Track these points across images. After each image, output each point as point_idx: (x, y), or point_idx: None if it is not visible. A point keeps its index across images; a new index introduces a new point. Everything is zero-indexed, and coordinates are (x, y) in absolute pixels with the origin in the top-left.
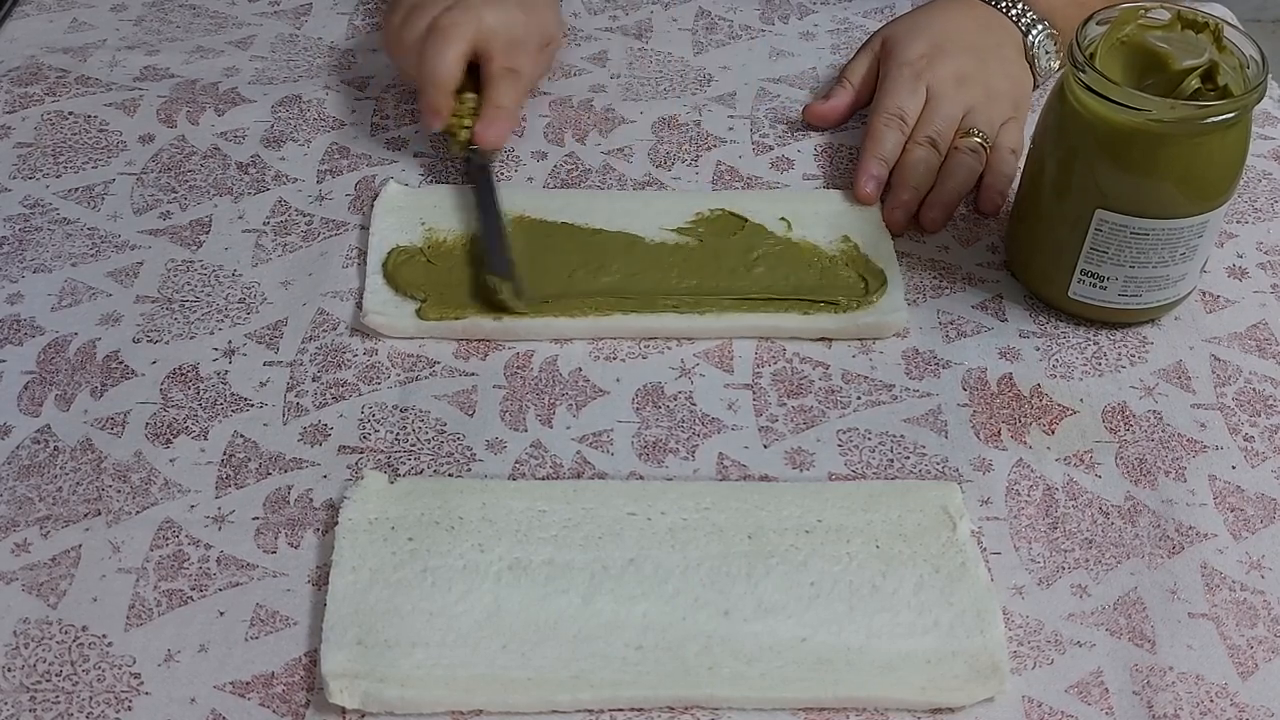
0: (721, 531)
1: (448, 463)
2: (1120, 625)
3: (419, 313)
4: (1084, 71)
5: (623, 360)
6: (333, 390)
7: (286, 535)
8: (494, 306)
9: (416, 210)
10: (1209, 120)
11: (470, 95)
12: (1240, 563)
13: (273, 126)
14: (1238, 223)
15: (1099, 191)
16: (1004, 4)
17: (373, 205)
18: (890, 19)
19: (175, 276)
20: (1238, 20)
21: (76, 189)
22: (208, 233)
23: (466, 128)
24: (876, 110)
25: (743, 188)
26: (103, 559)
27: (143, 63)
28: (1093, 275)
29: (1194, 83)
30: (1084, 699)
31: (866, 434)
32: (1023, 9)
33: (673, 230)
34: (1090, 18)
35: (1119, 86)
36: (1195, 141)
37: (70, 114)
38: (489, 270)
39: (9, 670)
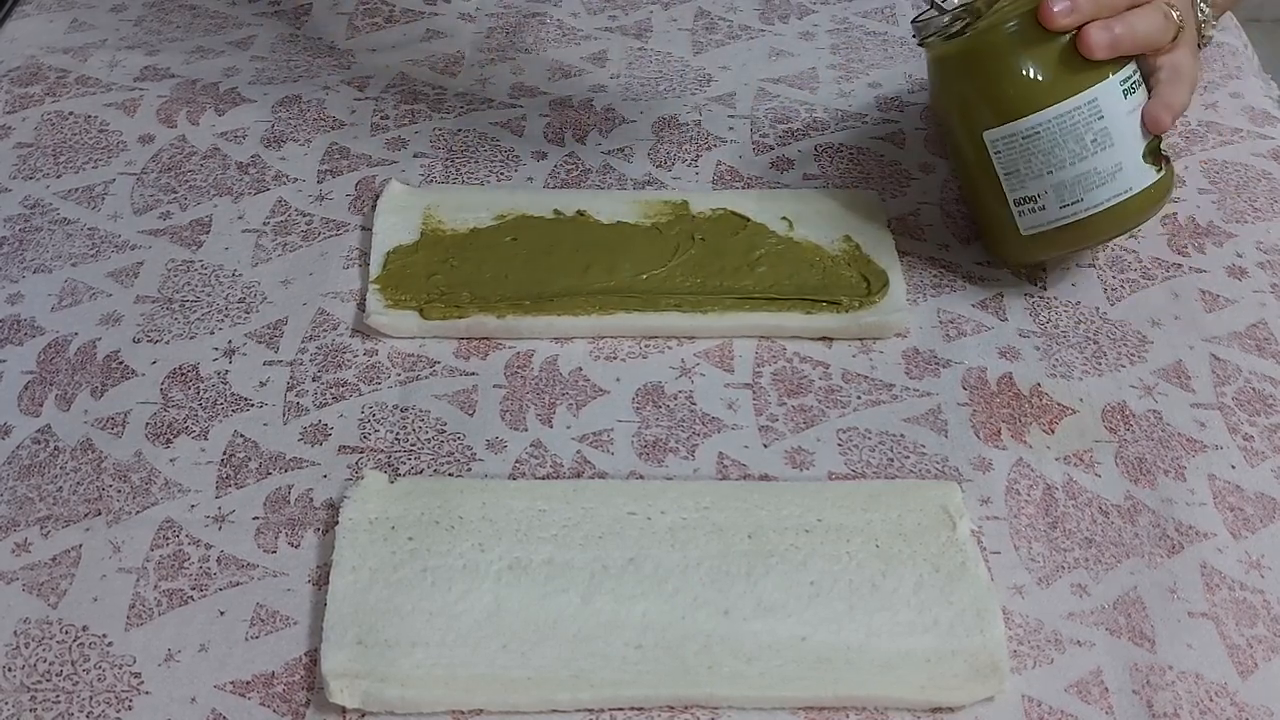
0: (721, 531)
1: (448, 462)
2: (1120, 624)
3: (422, 312)
4: (914, 33)
5: (623, 360)
6: (333, 390)
7: (287, 535)
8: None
9: (419, 209)
10: (982, 24)
11: None
12: (1240, 562)
13: (273, 126)
14: (1237, 222)
15: (973, 118)
16: None
17: (373, 205)
18: (888, 17)
19: (175, 276)
20: (1238, 20)
21: (76, 189)
22: (208, 233)
23: None
24: None
25: (743, 187)
26: (103, 559)
27: (143, 63)
28: (1025, 200)
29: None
30: (1084, 698)
31: (866, 433)
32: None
33: (669, 218)
34: None
35: (915, 24)
36: (1011, 37)
37: (70, 114)
38: None
39: (9, 670)
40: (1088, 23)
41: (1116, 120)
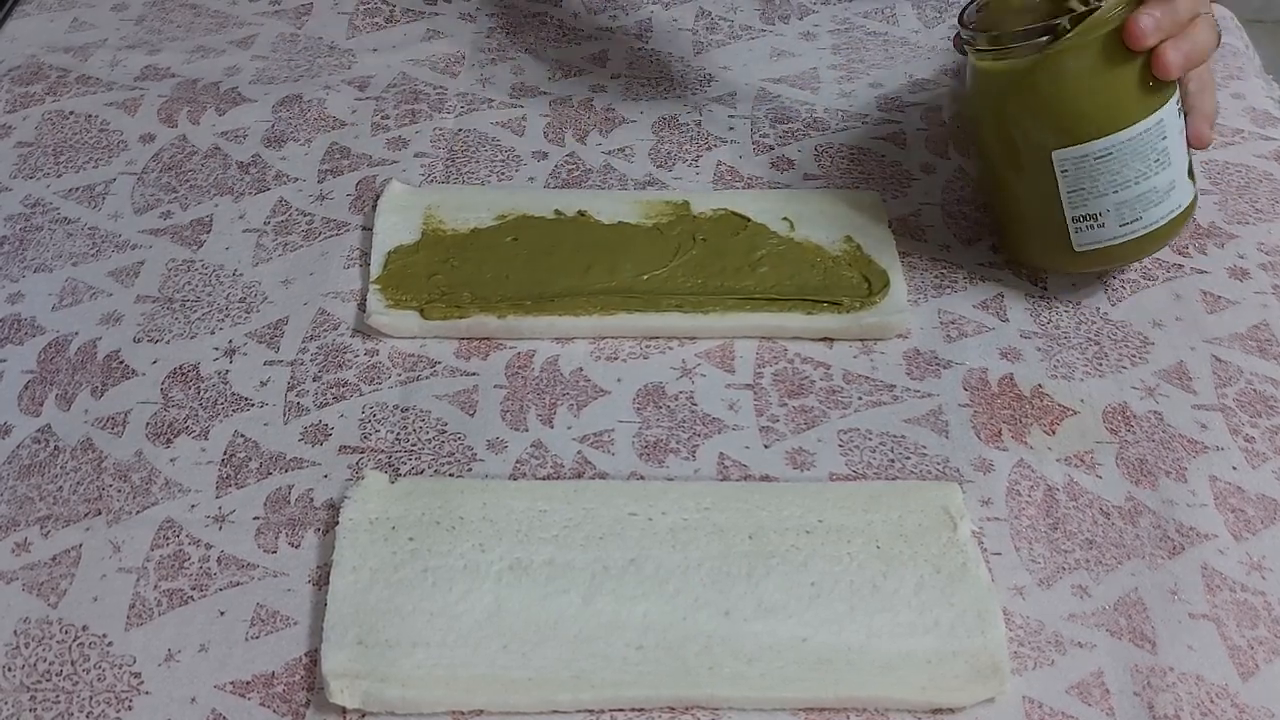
0: (722, 531)
1: (448, 462)
2: (1121, 626)
3: (422, 312)
4: (965, 38)
5: (624, 360)
6: (333, 390)
7: (287, 535)
8: None
9: (419, 209)
10: (1066, 40)
11: None
12: (1241, 563)
13: (273, 126)
14: (1239, 223)
15: (1038, 141)
16: None
17: (373, 205)
18: (889, 17)
19: (176, 276)
20: (1238, 21)
21: (77, 188)
22: (208, 232)
23: None
24: None
25: (744, 187)
26: (103, 558)
27: (144, 62)
28: (1085, 217)
29: (1076, 5)
30: (1085, 699)
31: (867, 434)
32: None
33: (670, 219)
34: None
35: (982, 35)
36: (1091, 55)
37: (71, 113)
38: None
39: (9, 670)
40: (1162, 42)
41: (1174, 138)
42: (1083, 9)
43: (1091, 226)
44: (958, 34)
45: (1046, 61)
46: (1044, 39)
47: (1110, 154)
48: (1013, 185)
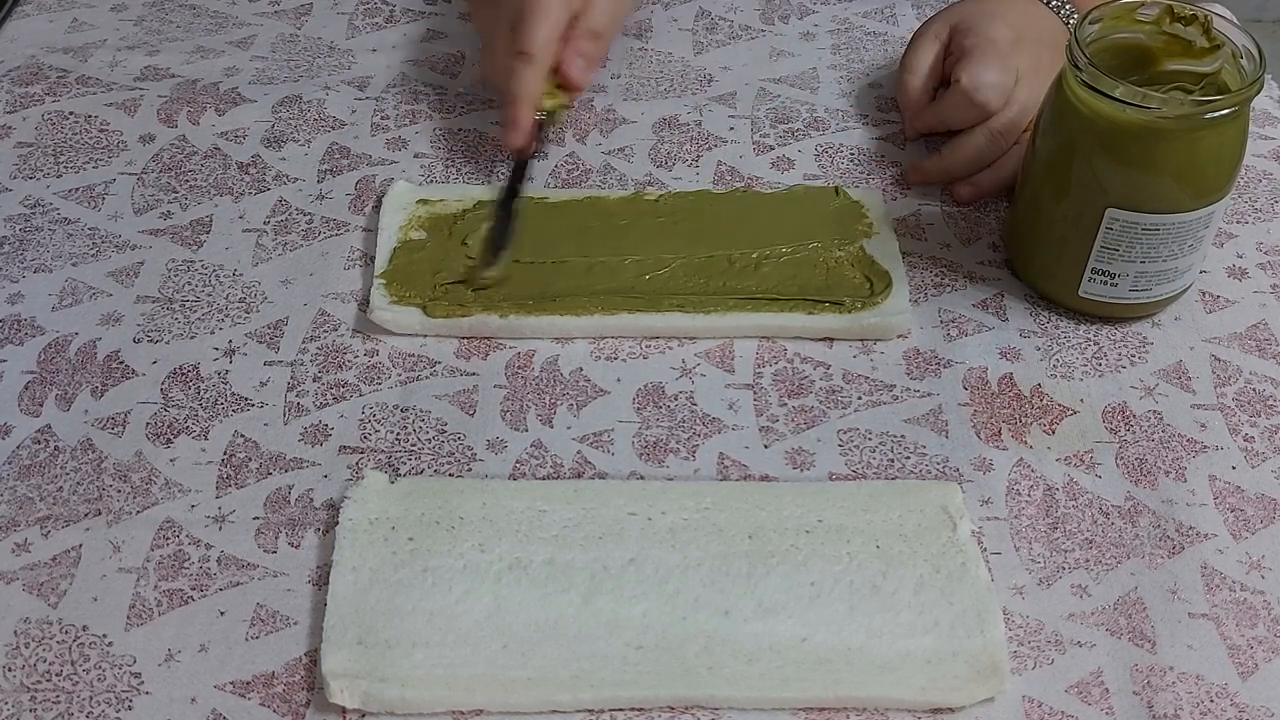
0: (722, 531)
1: (448, 463)
2: (1120, 625)
3: (426, 310)
4: (1083, 70)
5: (623, 360)
6: (333, 390)
7: (287, 535)
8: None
9: (423, 208)
10: (1209, 116)
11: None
12: (1240, 563)
13: (273, 126)
14: (1237, 223)
15: (1100, 188)
16: (1055, 3)
17: (374, 205)
18: (889, 17)
19: (176, 276)
20: (1238, 20)
21: (77, 189)
22: (208, 232)
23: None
24: (972, 84)
25: (744, 188)
26: (103, 559)
27: (143, 63)
28: (1105, 273)
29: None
30: (1084, 699)
31: (867, 434)
32: (1070, 10)
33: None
34: (1086, 15)
35: (1122, 83)
36: (1196, 135)
37: (71, 114)
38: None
39: (9, 670)
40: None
41: (1212, 230)
42: (1195, 88)
43: (1105, 283)
44: (1070, 51)
45: (1148, 128)
46: (1192, 108)
47: (1158, 230)
48: (1048, 211)
